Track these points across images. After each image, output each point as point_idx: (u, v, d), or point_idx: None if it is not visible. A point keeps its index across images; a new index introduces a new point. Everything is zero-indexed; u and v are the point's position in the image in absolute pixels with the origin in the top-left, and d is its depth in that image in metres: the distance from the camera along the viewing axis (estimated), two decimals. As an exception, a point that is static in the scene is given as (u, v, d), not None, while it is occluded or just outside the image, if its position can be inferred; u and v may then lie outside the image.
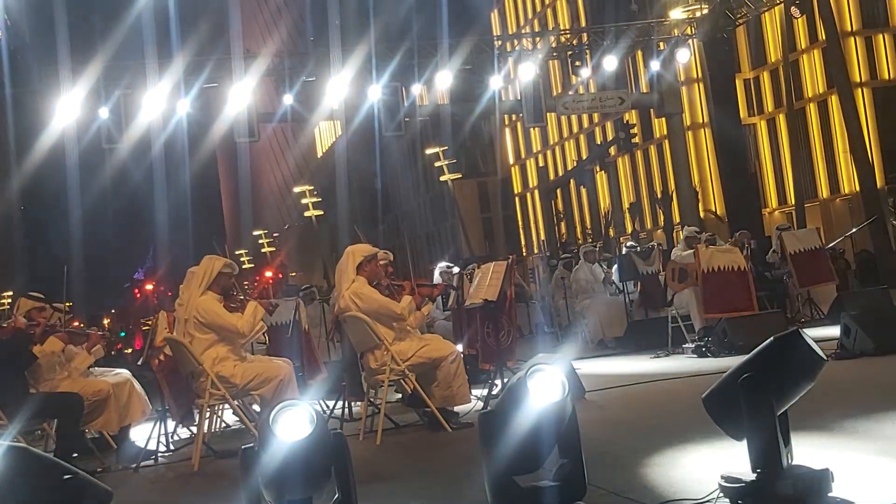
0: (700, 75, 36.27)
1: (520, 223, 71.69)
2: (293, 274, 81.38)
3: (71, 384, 8.35)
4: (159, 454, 8.34)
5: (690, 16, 24.75)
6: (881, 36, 44.41)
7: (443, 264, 16.11)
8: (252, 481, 4.17)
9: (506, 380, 8.56)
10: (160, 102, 21.56)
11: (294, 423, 4.08)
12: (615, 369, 11.88)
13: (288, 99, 22.53)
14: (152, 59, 22.32)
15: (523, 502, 4.18)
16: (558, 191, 57.89)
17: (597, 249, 16.94)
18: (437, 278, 13.55)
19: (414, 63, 23.12)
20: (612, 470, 5.35)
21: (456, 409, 8.17)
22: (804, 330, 4.35)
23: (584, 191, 58.69)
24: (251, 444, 4.33)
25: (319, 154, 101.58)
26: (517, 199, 72.59)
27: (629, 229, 55.16)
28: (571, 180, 53.29)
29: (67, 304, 9.47)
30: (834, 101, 39.74)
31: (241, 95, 21.89)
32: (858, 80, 42.05)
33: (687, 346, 12.22)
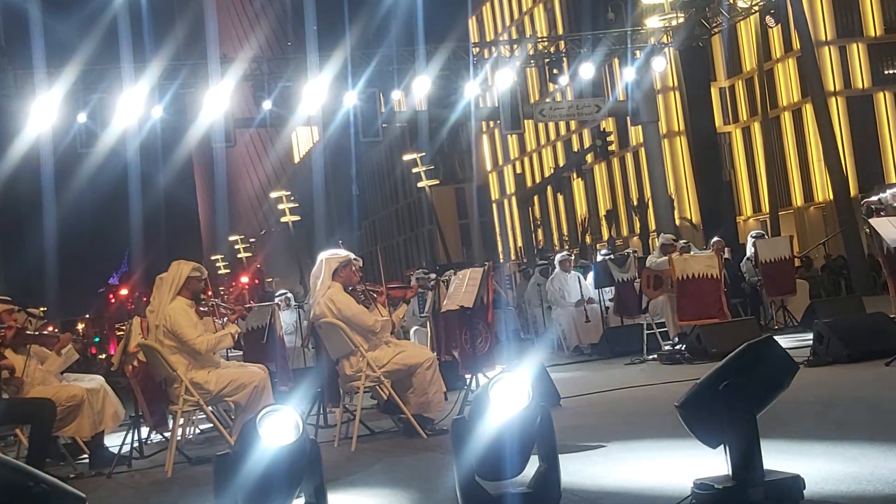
0: (676, 84, 36.56)
1: (497, 230, 71.83)
2: (270, 280, 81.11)
3: (44, 390, 8.27)
4: (133, 460, 8.29)
5: (666, 25, 24.89)
6: (855, 45, 44.81)
7: (419, 271, 16.14)
8: (227, 488, 4.16)
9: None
10: (136, 107, 21.46)
11: (279, 428, 4.08)
12: (590, 376, 11.92)
13: (266, 104, 22.47)
14: (128, 64, 22.20)
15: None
16: (535, 197, 58.06)
17: (572, 257, 16.98)
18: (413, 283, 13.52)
19: (392, 69, 23.13)
20: (586, 476, 5.37)
21: (432, 415, 8.17)
22: (777, 337, 4.39)
23: (561, 198, 58.89)
24: (226, 451, 4.32)
25: (297, 159, 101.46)
26: (494, 205, 72.74)
27: (606, 236, 55.37)
28: (548, 187, 53.47)
29: (42, 308, 9.40)
30: (808, 110, 40.08)
31: (217, 100, 21.82)
32: (832, 89, 42.40)
33: (662, 352, 12.28)
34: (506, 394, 4.15)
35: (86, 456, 8.55)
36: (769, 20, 23.70)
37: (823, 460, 5.05)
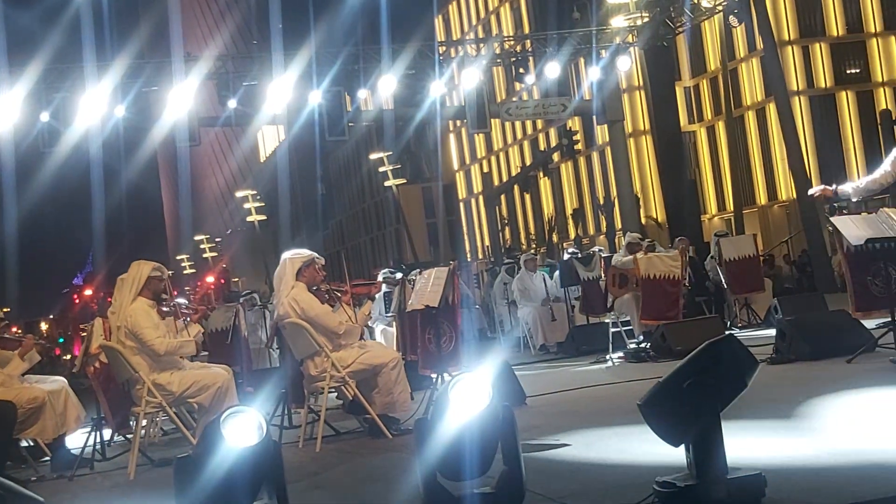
0: (641, 83, 36.74)
1: (464, 229, 71.90)
2: (236, 279, 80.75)
3: (4, 392, 8.17)
4: (95, 462, 8.22)
5: (631, 24, 25.01)
6: (818, 45, 45.23)
7: (385, 271, 16.09)
8: (188, 491, 4.12)
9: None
10: (99, 106, 21.26)
11: (243, 430, 4.05)
12: (556, 374, 11.95)
13: (231, 103, 22.34)
14: (91, 62, 21.99)
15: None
16: (502, 196, 58.18)
17: (537, 257, 17.03)
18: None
19: (358, 68, 23.07)
20: (549, 476, 5.37)
21: (397, 415, 8.15)
22: (740, 334, 4.41)
23: (527, 197, 59.05)
24: (186, 454, 4.28)
25: (262, 159, 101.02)
26: (461, 204, 72.81)
27: (572, 235, 55.58)
28: (515, 186, 53.58)
29: (5, 309, 9.28)
30: (771, 109, 40.39)
31: (181, 99, 21.67)
32: (796, 88, 42.77)
33: (627, 350, 12.34)
34: (466, 394, 4.14)
35: (48, 458, 8.46)
36: (732, 20, 23.88)
37: (785, 458, 5.09)
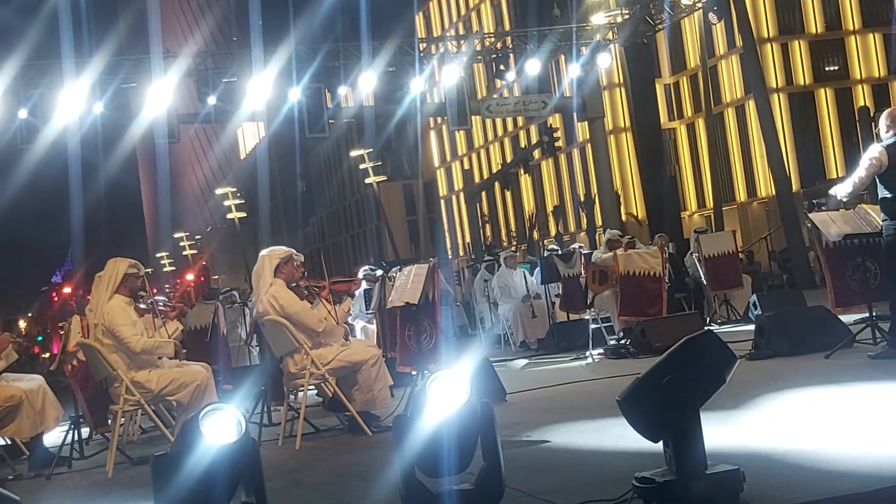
0: (621, 80, 36.76)
1: (445, 226, 71.87)
2: (216, 277, 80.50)
3: (-19, 390, 8.12)
4: (73, 461, 8.16)
5: (611, 21, 25.05)
6: (797, 42, 45.45)
7: (366, 267, 16.07)
8: (165, 488, 4.09)
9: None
10: (78, 102, 21.12)
11: (221, 427, 4.03)
12: (536, 371, 11.96)
13: (211, 100, 22.24)
14: (69, 59, 21.85)
15: (435, 507, 4.18)
16: (483, 193, 58.18)
17: (517, 254, 17.05)
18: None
19: (338, 64, 23.01)
20: (529, 472, 5.37)
21: (377, 412, 8.13)
22: (719, 330, 4.43)
23: (508, 194, 59.09)
24: (164, 451, 4.25)
25: (242, 156, 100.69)
26: (442, 201, 72.80)
27: (553, 232, 55.65)
28: (496, 183, 53.60)
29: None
30: (751, 106, 40.54)
31: (160, 96, 21.56)
32: (775, 85, 42.96)
33: (607, 347, 12.36)
34: (444, 391, 4.13)
35: (26, 457, 8.39)
36: (712, 17, 23.97)
37: (764, 453, 5.10)
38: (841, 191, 8.52)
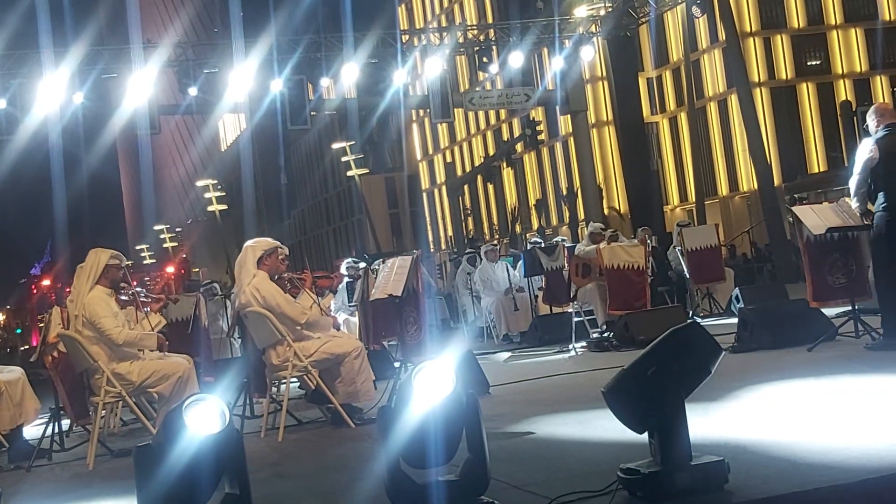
0: (604, 73, 36.83)
1: (427, 219, 71.87)
2: (197, 269, 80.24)
3: (-40, 382, 8.05)
4: (53, 453, 8.11)
5: (594, 14, 25.04)
6: (779, 37, 45.63)
7: (349, 260, 16.04)
8: (148, 479, 4.05)
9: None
10: (58, 92, 20.95)
11: (205, 417, 3.99)
12: (520, 363, 11.95)
13: (192, 91, 22.10)
14: (48, 48, 21.65)
15: (419, 497, 4.15)
16: (465, 187, 58.20)
17: (498, 248, 17.04)
18: (343, 273, 13.47)
19: (320, 56, 22.90)
20: (514, 463, 5.36)
21: (360, 405, 8.10)
22: (702, 323, 4.42)
23: (491, 187, 59.11)
24: (147, 443, 4.21)
25: (224, 148, 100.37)
26: (424, 194, 72.78)
27: (535, 225, 55.71)
28: (479, 176, 53.61)
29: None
30: (733, 101, 40.70)
31: (141, 86, 21.41)
32: (757, 79, 43.12)
33: (590, 340, 12.37)
34: (430, 382, 4.11)
35: (5, 449, 8.32)
36: (695, 10, 23.98)
37: (748, 444, 5.11)
38: (855, 207, 8.50)
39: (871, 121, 8.38)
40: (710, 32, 44.89)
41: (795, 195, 32.13)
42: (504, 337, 15.18)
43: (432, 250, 59.50)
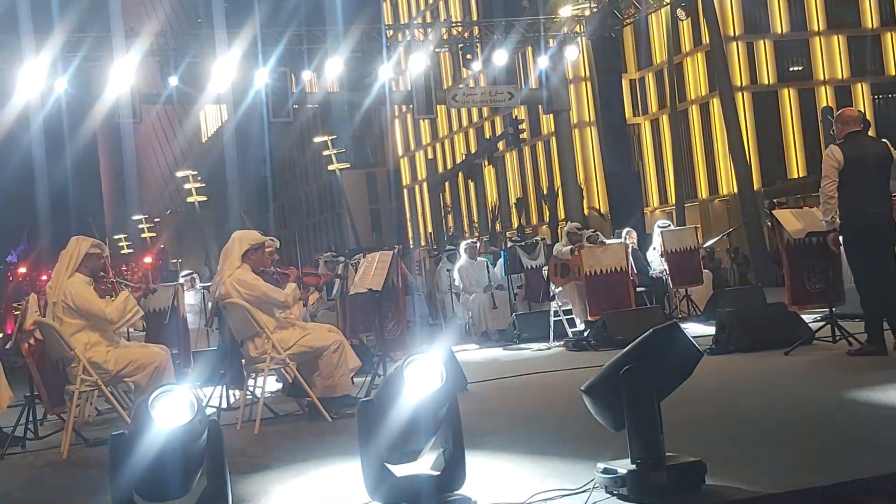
0: (587, 74, 36.87)
1: (408, 215, 71.80)
2: (174, 260, 79.87)
3: (-67, 369, 7.98)
4: (27, 441, 8.04)
5: (579, 14, 25.09)
6: (762, 42, 45.80)
7: (328, 254, 16.00)
8: (122, 469, 4.03)
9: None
10: (38, 79, 20.77)
11: (173, 409, 3.96)
12: (498, 361, 11.96)
13: (173, 80, 21.98)
14: (28, 34, 21.46)
15: (400, 491, 4.15)
16: (446, 184, 58.18)
17: (478, 244, 17.03)
18: (321, 268, 13.44)
19: (302, 49, 22.82)
20: (491, 460, 5.36)
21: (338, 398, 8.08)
22: (680, 325, 4.43)
23: (471, 184, 59.07)
24: (122, 431, 4.18)
25: (204, 139, 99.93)
26: (405, 190, 72.68)
27: (515, 224, 55.74)
28: (460, 174, 53.60)
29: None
30: (715, 104, 40.85)
31: (122, 74, 21.27)
32: (739, 83, 43.26)
33: (568, 339, 12.39)
34: (421, 375, 4.08)
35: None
36: (680, 13, 24.08)
37: (725, 446, 5.13)
38: (822, 214, 8.45)
39: (836, 127, 8.41)
40: (694, 35, 45.04)
41: (774, 200, 32.28)
42: (482, 334, 15.18)
43: (412, 247, 59.49)
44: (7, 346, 9.43)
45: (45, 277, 23.07)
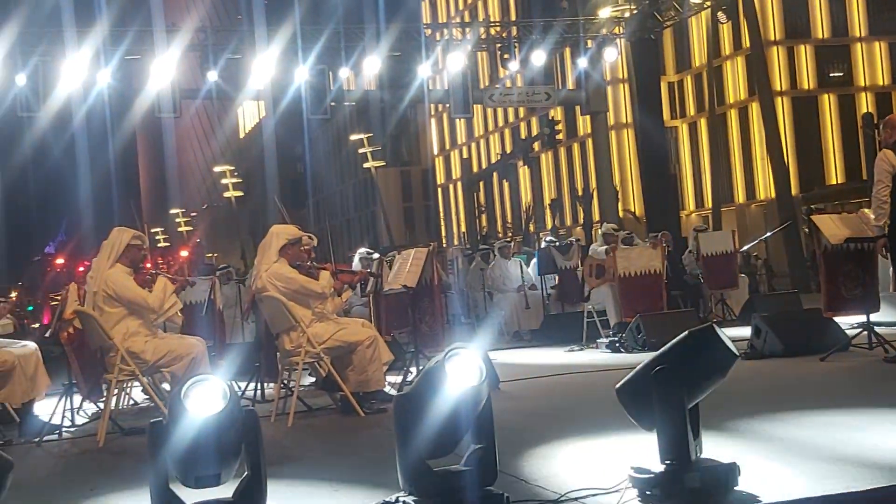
0: (626, 76, 36.73)
1: (441, 214, 71.82)
2: (210, 255, 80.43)
3: (-27, 355, 8.10)
4: (63, 429, 8.15)
5: (619, 15, 24.97)
6: (803, 47, 45.41)
7: (363, 250, 16.04)
8: (160, 456, 4.08)
9: (421, 367, 8.55)
10: (80, 72, 20.97)
11: (206, 398, 4.00)
12: (530, 361, 11.95)
13: (212, 76, 22.13)
14: (70, 27, 21.66)
15: (436, 486, 4.16)
16: (481, 183, 58.10)
17: (511, 244, 17.03)
18: (356, 264, 13.48)
19: (341, 46, 22.89)
20: (522, 458, 5.37)
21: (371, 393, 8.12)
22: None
23: (506, 184, 58.99)
24: (160, 419, 4.24)
25: (242, 135, 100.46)
26: (440, 189, 72.71)
27: (549, 225, 55.59)
28: (494, 173, 53.54)
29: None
30: (754, 108, 40.58)
31: (163, 69, 21.44)
32: (779, 88, 42.92)
33: (601, 340, 12.37)
34: (461, 369, 4.09)
35: (16, 423, 8.36)
36: (721, 16, 23.92)
37: (759, 450, 5.11)
38: (875, 219, 8.40)
39: (885, 133, 8.35)
40: (734, 39, 44.73)
41: (812, 206, 32.02)
42: (515, 334, 15.19)
43: (444, 245, 59.50)
44: (46, 335, 9.55)
45: (82, 268, 23.29)
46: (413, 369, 8.95)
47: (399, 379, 8.92)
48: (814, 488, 4.18)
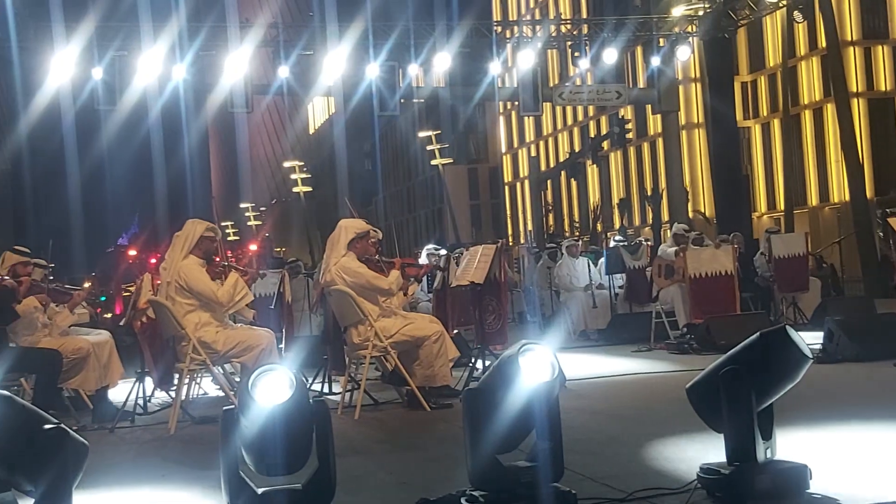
0: (698, 75, 36.35)
1: (508, 212, 71.67)
2: (278, 249, 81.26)
3: (51, 341, 8.30)
4: (136, 416, 8.30)
5: (692, 14, 24.70)
6: (880, 48, 44.47)
7: (430, 246, 16.09)
8: (232, 443, 4.15)
9: (488, 363, 8.55)
10: (156, 66, 21.32)
11: (273, 388, 4.05)
12: (596, 361, 11.88)
13: (283, 71, 22.36)
14: (146, 21, 22.05)
15: (505, 481, 4.16)
16: (549, 182, 57.87)
17: (579, 243, 16.94)
18: (423, 261, 13.52)
19: (410, 43, 22.97)
20: (589, 456, 5.35)
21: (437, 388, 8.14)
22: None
23: (574, 183, 58.69)
24: (232, 407, 4.30)
25: (311, 131, 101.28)
26: (507, 187, 72.57)
27: (617, 224, 55.18)
28: (563, 172, 53.27)
29: (50, 265, 9.38)
30: (829, 110, 39.82)
31: (237, 64, 21.71)
32: (855, 89, 42.08)
33: (669, 341, 12.25)
34: (534, 364, 4.08)
35: (89, 409, 8.54)
36: (797, 16, 23.53)
37: (831, 453, 5.03)
38: None
39: None
40: (810, 39, 43.94)
41: (887, 209, 31.34)
42: (581, 333, 15.10)
43: (511, 244, 59.38)
44: (120, 324, 9.73)
45: (153, 260, 23.66)
46: (478, 366, 8.95)
47: (464, 375, 8.92)
48: (886, 494, 4.10)
